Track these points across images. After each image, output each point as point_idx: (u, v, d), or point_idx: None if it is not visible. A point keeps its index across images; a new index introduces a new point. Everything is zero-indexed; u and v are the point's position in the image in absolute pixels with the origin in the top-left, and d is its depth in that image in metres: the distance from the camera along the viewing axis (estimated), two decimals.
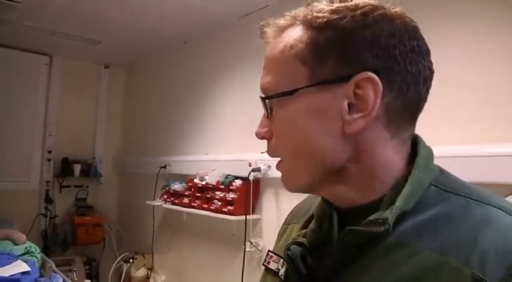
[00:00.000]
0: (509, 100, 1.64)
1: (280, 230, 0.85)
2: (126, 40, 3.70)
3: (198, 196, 3.01)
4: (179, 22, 3.20)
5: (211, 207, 2.83)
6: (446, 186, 0.59)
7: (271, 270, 0.73)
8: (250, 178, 2.57)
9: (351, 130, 0.58)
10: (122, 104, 4.75)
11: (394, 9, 0.60)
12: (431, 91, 0.63)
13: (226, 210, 2.70)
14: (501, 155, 1.54)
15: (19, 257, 2.39)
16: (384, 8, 0.59)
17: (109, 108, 4.62)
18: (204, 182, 2.95)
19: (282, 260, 0.70)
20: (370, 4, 0.59)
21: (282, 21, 0.64)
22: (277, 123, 0.63)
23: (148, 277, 3.63)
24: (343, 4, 0.59)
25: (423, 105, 0.63)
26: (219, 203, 2.79)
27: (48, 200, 4.08)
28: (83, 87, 4.46)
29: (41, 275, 2.32)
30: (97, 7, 2.97)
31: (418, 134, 0.66)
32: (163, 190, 3.43)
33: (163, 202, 3.36)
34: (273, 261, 0.73)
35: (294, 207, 0.87)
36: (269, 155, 0.67)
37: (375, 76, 0.56)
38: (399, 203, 0.56)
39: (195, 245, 3.31)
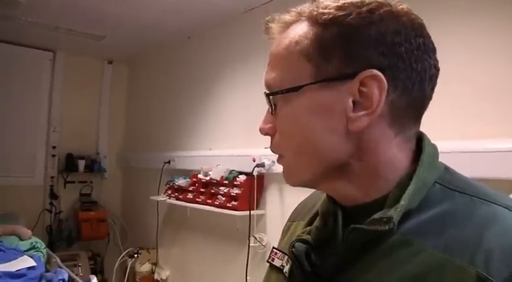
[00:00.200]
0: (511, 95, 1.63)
1: (284, 227, 0.85)
2: (129, 35, 3.70)
3: (202, 191, 3.02)
4: (183, 17, 3.19)
5: (215, 203, 2.83)
6: (451, 184, 0.59)
7: (276, 267, 0.73)
8: (254, 173, 2.58)
9: (355, 128, 0.58)
10: (125, 99, 4.76)
11: (401, 7, 0.59)
12: (437, 82, 0.62)
13: (230, 205, 2.71)
14: (504, 151, 1.54)
15: (25, 252, 2.41)
16: (390, 5, 0.58)
17: (113, 103, 4.62)
18: (208, 178, 2.95)
19: (286, 257, 0.70)
20: (376, 1, 0.58)
21: (287, 17, 0.64)
22: (281, 119, 0.63)
23: (152, 272, 3.64)
24: (349, 1, 0.58)
25: (428, 103, 0.62)
26: (223, 199, 2.80)
27: (53, 195, 4.10)
28: (87, 82, 4.47)
29: (47, 270, 2.33)
30: (100, 2, 2.97)
31: (423, 132, 0.65)
32: (168, 185, 3.44)
33: (168, 197, 3.37)
34: (277, 258, 0.73)
35: (299, 204, 0.87)
36: (272, 151, 0.67)
37: (379, 74, 0.56)
38: (404, 201, 0.55)
39: (199, 240, 3.32)
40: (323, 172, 0.62)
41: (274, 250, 0.75)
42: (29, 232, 2.69)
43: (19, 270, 2.15)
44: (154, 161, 3.73)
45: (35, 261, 2.29)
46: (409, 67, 0.57)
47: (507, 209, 0.54)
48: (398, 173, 0.60)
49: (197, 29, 3.44)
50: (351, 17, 0.57)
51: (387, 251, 0.55)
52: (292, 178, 0.66)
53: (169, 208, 3.63)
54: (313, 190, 0.80)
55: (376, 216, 0.56)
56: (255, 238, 2.62)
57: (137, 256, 3.65)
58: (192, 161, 3.31)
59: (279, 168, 0.67)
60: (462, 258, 0.50)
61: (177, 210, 3.39)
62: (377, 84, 0.56)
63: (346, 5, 0.58)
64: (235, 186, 2.74)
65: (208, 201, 2.91)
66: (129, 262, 3.65)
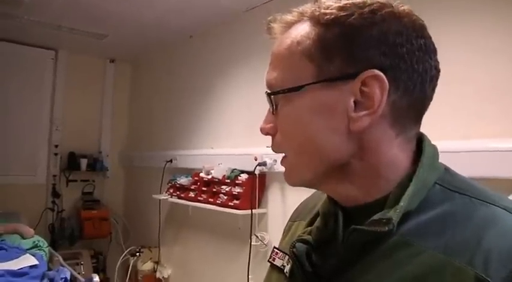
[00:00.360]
0: None
1: (285, 226, 0.85)
2: (131, 34, 3.70)
3: (204, 190, 3.02)
4: (185, 16, 3.19)
5: (217, 202, 2.84)
6: (451, 185, 0.59)
7: (277, 266, 0.73)
8: (256, 172, 2.58)
9: (357, 128, 0.58)
10: (127, 98, 4.76)
11: (402, 8, 0.60)
12: (437, 83, 0.62)
13: (232, 204, 2.71)
14: (505, 150, 1.54)
15: (27, 251, 2.41)
16: (392, 6, 0.59)
17: (115, 102, 4.62)
18: (210, 176, 2.95)
19: (287, 257, 0.70)
20: (378, 2, 0.58)
21: (289, 17, 0.64)
22: (282, 119, 0.63)
23: (154, 270, 3.65)
24: (351, 1, 0.59)
25: (429, 104, 0.62)
26: (225, 197, 2.80)
27: (55, 194, 4.11)
28: (89, 81, 4.47)
29: (49, 269, 2.34)
30: (102, 1, 2.97)
31: (423, 132, 0.65)
32: (170, 184, 3.44)
33: (170, 196, 3.37)
34: (278, 258, 0.73)
35: (300, 204, 0.87)
36: (273, 151, 0.67)
37: (381, 74, 0.56)
38: (403, 202, 0.56)
39: (201, 239, 3.33)
40: (324, 172, 0.62)
41: (275, 250, 0.75)
42: (31, 231, 2.69)
43: (21, 268, 2.15)
44: (157, 159, 3.73)
45: (37, 259, 2.30)
46: (410, 68, 0.57)
47: (506, 210, 0.54)
48: (399, 174, 0.60)
49: (199, 28, 3.44)
50: (353, 17, 0.57)
51: (387, 252, 0.56)
52: (293, 178, 0.66)
53: (171, 207, 3.63)
54: (314, 190, 0.80)
55: (376, 217, 0.57)
56: (257, 237, 2.62)
57: (139, 255, 3.66)
58: (194, 160, 3.31)
59: (280, 167, 0.67)
60: (461, 260, 0.50)
61: (179, 208, 3.40)
62: (378, 85, 0.56)
63: (348, 5, 0.58)
64: (237, 185, 2.74)
65: (210, 200, 2.91)
66: (131, 261, 3.66)
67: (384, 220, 0.55)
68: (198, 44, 3.59)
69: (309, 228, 0.70)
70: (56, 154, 4.13)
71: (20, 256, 2.30)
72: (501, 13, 1.70)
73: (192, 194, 3.13)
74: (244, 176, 2.72)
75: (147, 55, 4.36)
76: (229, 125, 3.14)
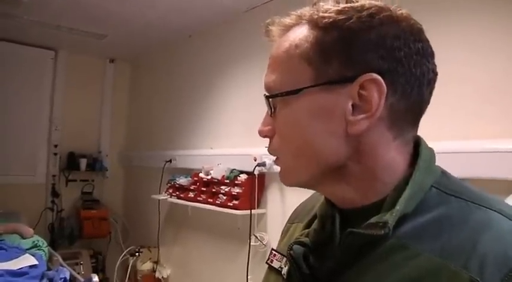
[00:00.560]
0: (511, 95, 1.63)
1: (284, 228, 0.86)
2: (131, 34, 3.70)
3: (203, 190, 3.02)
4: (184, 15, 3.19)
5: (217, 202, 2.84)
6: (447, 188, 0.59)
7: (275, 268, 0.73)
8: (256, 172, 2.58)
9: (354, 131, 0.58)
10: (127, 97, 4.76)
11: (400, 11, 0.60)
12: (435, 86, 0.63)
13: (231, 204, 2.71)
14: (504, 151, 1.54)
15: (27, 251, 2.42)
16: (390, 10, 0.59)
17: (114, 102, 4.63)
18: (209, 177, 2.95)
19: (285, 258, 0.70)
20: (376, 5, 0.59)
21: (287, 20, 0.64)
22: (280, 122, 0.63)
23: (154, 270, 3.65)
24: (349, 5, 0.59)
25: (426, 107, 0.63)
26: (224, 198, 2.80)
27: (55, 193, 4.11)
28: (89, 81, 4.47)
29: (48, 268, 2.34)
30: (102, 1, 2.97)
31: (420, 136, 0.66)
32: (169, 184, 3.45)
33: (169, 196, 3.37)
34: (276, 259, 0.74)
35: (298, 206, 0.87)
36: (270, 153, 0.67)
37: (379, 78, 0.56)
38: (400, 206, 0.56)
39: (200, 239, 3.33)
40: (321, 174, 0.62)
41: (273, 252, 0.75)
42: (31, 230, 2.70)
43: (21, 268, 2.16)
44: (156, 159, 3.73)
45: (37, 259, 2.30)
46: (408, 71, 0.58)
47: (501, 214, 0.54)
48: (396, 176, 0.61)
49: (199, 28, 3.44)
50: (351, 21, 0.57)
51: (384, 254, 0.56)
52: (289, 179, 0.66)
53: (170, 207, 3.64)
54: (311, 190, 0.81)
55: (372, 220, 0.57)
56: (256, 237, 2.63)
57: (138, 254, 3.67)
58: (194, 160, 3.31)
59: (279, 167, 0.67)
60: (457, 263, 0.50)
61: (178, 209, 3.40)
62: (376, 88, 0.56)
63: (347, 9, 0.58)
64: (236, 185, 2.74)
65: (209, 200, 2.92)
66: (131, 260, 3.67)
67: (380, 223, 0.55)
68: (197, 44, 3.59)
69: (307, 230, 0.70)
70: (55, 154, 4.14)
71: (19, 256, 2.30)
72: (500, 12, 1.70)
73: (191, 194, 3.13)
74: (243, 177, 2.72)
75: (146, 55, 4.36)
76: (228, 125, 3.14)
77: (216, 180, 2.89)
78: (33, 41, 3.95)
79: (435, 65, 0.62)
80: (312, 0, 0.63)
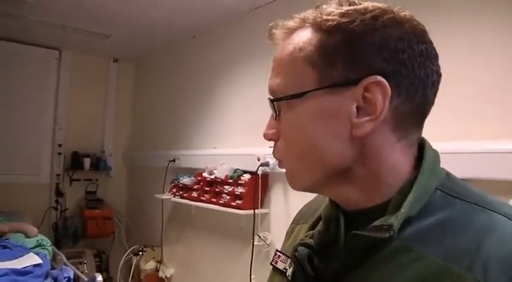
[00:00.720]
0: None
1: (288, 229, 0.86)
2: (134, 34, 3.71)
3: (206, 190, 3.03)
4: (188, 16, 3.20)
5: (220, 201, 2.84)
6: (452, 191, 0.59)
7: (279, 270, 0.73)
8: (259, 172, 2.58)
9: (359, 133, 0.58)
10: (131, 97, 4.77)
11: (403, 13, 0.60)
12: (439, 88, 0.63)
13: (234, 204, 2.72)
14: (505, 152, 1.54)
15: (31, 250, 2.43)
16: (393, 12, 0.59)
17: (118, 101, 4.64)
18: (212, 176, 2.96)
19: (289, 260, 0.70)
20: (380, 8, 0.59)
21: (291, 23, 0.64)
22: (285, 125, 0.63)
23: (157, 270, 3.66)
24: (352, 7, 0.59)
25: (430, 108, 0.63)
26: (228, 197, 2.81)
27: (59, 193, 4.13)
28: (93, 81, 4.48)
29: (52, 268, 2.36)
30: (105, 1, 2.98)
31: (425, 137, 0.66)
32: (172, 184, 3.45)
33: (172, 196, 3.38)
34: (280, 261, 0.74)
35: (303, 206, 0.87)
36: (274, 157, 0.68)
37: (383, 80, 0.56)
38: (404, 209, 0.56)
39: (203, 239, 3.34)
40: (326, 177, 0.62)
41: (278, 253, 0.75)
42: (35, 230, 2.71)
43: (25, 267, 2.17)
44: (160, 159, 3.74)
45: (41, 258, 2.31)
46: (412, 73, 0.58)
47: (506, 217, 0.54)
48: (400, 179, 0.61)
49: (202, 28, 3.45)
50: (354, 23, 0.57)
51: (388, 256, 0.56)
52: (295, 183, 0.66)
53: (174, 206, 3.64)
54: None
55: (377, 223, 0.57)
56: (259, 237, 2.63)
57: (142, 254, 3.68)
58: (197, 160, 3.32)
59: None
60: (461, 266, 0.50)
61: (182, 208, 3.41)
62: (381, 91, 0.56)
63: (350, 11, 0.58)
64: (240, 185, 2.75)
65: (212, 199, 2.92)
66: (134, 260, 3.68)
67: (385, 226, 0.55)
68: (201, 44, 3.59)
69: (311, 231, 0.71)
70: (59, 153, 4.15)
71: (23, 255, 2.31)
72: (501, 13, 1.70)
73: (194, 194, 3.14)
74: (246, 176, 2.73)
75: (150, 55, 4.37)
76: (232, 125, 3.15)
77: (219, 180, 2.89)
78: (37, 40, 3.96)
79: (439, 67, 0.62)
80: (315, 2, 0.63)
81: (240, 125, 3.04)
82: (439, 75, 0.62)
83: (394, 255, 0.56)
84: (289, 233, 0.84)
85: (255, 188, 2.62)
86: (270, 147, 0.69)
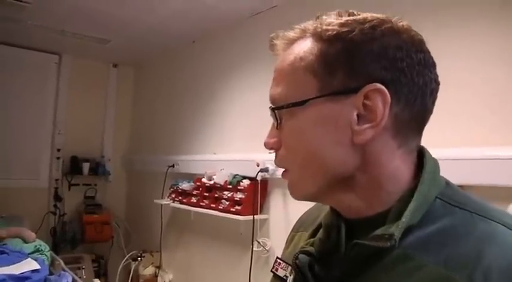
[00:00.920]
0: (511, 102, 1.63)
1: (288, 237, 0.86)
2: (134, 39, 3.72)
3: (206, 195, 3.03)
4: (188, 21, 3.21)
5: (219, 207, 2.84)
6: (452, 199, 0.60)
7: (280, 277, 0.74)
8: (258, 178, 2.58)
9: (360, 140, 0.59)
10: (130, 102, 4.78)
11: (401, 24, 0.61)
12: (437, 96, 0.64)
13: (234, 210, 2.71)
14: (505, 158, 1.54)
15: (29, 255, 2.41)
16: (391, 22, 0.60)
17: (118, 106, 4.64)
18: (212, 182, 2.96)
19: (290, 267, 0.71)
20: (378, 18, 0.60)
21: (291, 34, 0.65)
22: (286, 133, 0.64)
23: (156, 275, 3.65)
24: (352, 18, 0.60)
25: (429, 116, 0.63)
26: (227, 203, 2.80)
27: (57, 197, 4.12)
28: (92, 85, 4.49)
29: (51, 273, 2.34)
30: (106, 6, 2.99)
31: (424, 146, 0.66)
32: (172, 189, 3.45)
33: (172, 201, 3.38)
34: (281, 268, 0.74)
35: (303, 214, 0.87)
36: (276, 165, 0.68)
37: (383, 87, 0.57)
38: (405, 218, 0.56)
39: (202, 244, 3.33)
40: (327, 185, 0.62)
41: (278, 260, 0.76)
42: (33, 235, 2.70)
43: (23, 273, 2.15)
44: (159, 164, 3.74)
45: (39, 264, 2.30)
46: (411, 81, 0.59)
47: (506, 226, 0.55)
48: (400, 186, 0.61)
49: (202, 34, 3.46)
50: (354, 33, 0.58)
51: (390, 265, 0.56)
52: (296, 192, 0.67)
53: (173, 212, 3.64)
54: None
55: (378, 232, 0.57)
56: (259, 243, 2.62)
57: (141, 259, 3.67)
58: (196, 165, 3.32)
59: None
60: (462, 275, 0.50)
61: (181, 213, 3.40)
62: (381, 98, 0.57)
63: (349, 22, 0.60)
64: (239, 190, 2.74)
65: (212, 205, 2.92)
66: (133, 265, 3.66)
67: (386, 236, 0.56)
68: (200, 49, 3.60)
69: (312, 239, 0.71)
70: (58, 158, 4.15)
71: (21, 260, 2.30)
72: (499, 19, 1.70)
73: (194, 199, 3.13)
74: (246, 182, 2.72)
75: (150, 60, 4.38)
76: (231, 131, 3.15)
77: (218, 186, 2.89)
78: (37, 45, 3.97)
79: (437, 75, 0.63)
80: (314, 10, 0.64)
81: (240, 130, 3.04)
82: (438, 84, 0.63)
83: (395, 264, 0.56)
84: (289, 241, 0.85)
85: (254, 194, 2.62)
86: (270, 152, 0.69)
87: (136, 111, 4.70)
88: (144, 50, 4.08)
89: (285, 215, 2.58)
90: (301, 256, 0.66)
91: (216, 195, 2.92)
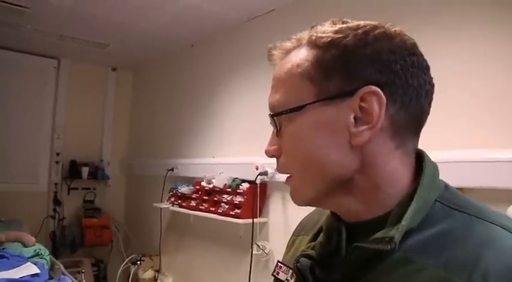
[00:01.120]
0: (511, 105, 1.64)
1: (289, 241, 0.87)
2: (133, 43, 3.73)
3: (205, 199, 3.03)
4: (186, 25, 3.22)
5: (218, 211, 2.84)
6: (451, 203, 0.61)
7: (281, 280, 0.74)
8: (257, 181, 2.59)
9: (358, 142, 0.60)
10: (129, 106, 4.78)
11: (393, 29, 0.63)
12: (434, 96, 0.65)
13: (233, 213, 2.71)
14: (505, 161, 1.55)
15: (29, 259, 2.41)
16: (384, 27, 0.62)
17: (117, 110, 4.65)
18: (211, 185, 2.96)
19: (291, 271, 0.71)
20: (371, 24, 0.62)
21: (288, 44, 0.67)
22: (286, 139, 0.65)
23: (155, 279, 3.65)
24: (345, 25, 0.63)
25: (426, 118, 0.65)
26: (226, 206, 2.81)
27: (57, 202, 4.12)
28: (91, 89, 4.49)
29: (50, 277, 2.34)
30: (104, 11, 3.00)
31: (423, 150, 0.67)
32: (171, 193, 3.45)
33: (171, 205, 3.38)
34: (282, 272, 0.75)
35: (304, 218, 0.88)
36: (279, 172, 0.69)
37: (378, 89, 0.58)
38: (405, 221, 0.57)
39: (202, 248, 3.33)
40: (327, 188, 0.63)
41: (279, 264, 0.76)
42: (33, 239, 2.70)
43: (23, 277, 2.16)
44: (158, 168, 3.74)
45: (39, 268, 2.30)
46: (405, 83, 0.60)
47: (504, 229, 0.55)
48: (399, 189, 0.62)
49: (200, 38, 3.47)
50: (347, 39, 0.60)
51: (390, 268, 0.57)
52: (298, 197, 0.68)
53: (172, 215, 3.64)
54: None
55: (379, 235, 0.58)
56: (258, 246, 2.62)
57: (140, 263, 3.66)
58: (195, 169, 3.32)
59: (281, 176, 0.69)
60: (461, 277, 0.51)
61: (180, 217, 3.40)
62: (376, 100, 0.59)
63: (343, 28, 0.62)
64: (238, 194, 2.75)
65: (211, 208, 2.92)
66: (132, 269, 3.66)
67: (387, 239, 0.57)
68: (199, 53, 3.61)
69: (313, 243, 0.72)
70: (57, 162, 4.15)
71: (21, 264, 2.30)
72: (499, 22, 1.71)
73: (193, 203, 3.13)
74: (245, 185, 2.73)
75: (148, 64, 4.39)
76: (230, 134, 3.15)
77: (218, 189, 2.90)
78: (36, 49, 3.98)
79: (431, 78, 0.64)
80: (309, 14, 0.66)
81: (239, 134, 3.05)
82: (432, 86, 0.64)
83: (395, 267, 0.57)
84: (289, 245, 0.85)
85: (254, 197, 2.62)
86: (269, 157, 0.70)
87: (135, 115, 4.70)
88: (142, 54, 4.09)
89: (284, 218, 2.58)
90: (302, 259, 0.67)
91: (215, 199, 2.92)
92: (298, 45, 0.66)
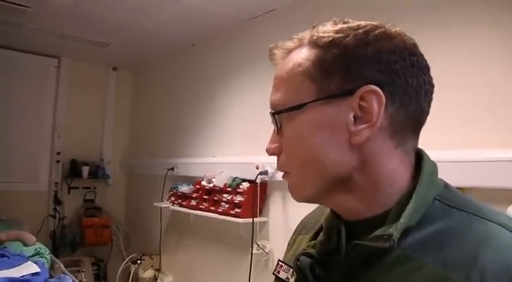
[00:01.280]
0: (511, 105, 1.65)
1: (290, 240, 0.87)
2: (133, 43, 3.73)
3: (205, 198, 3.03)
4: (187, 25, 3.22)
5: (219, 210, 2.85)
6: (450, 201, 0.61)
7: (281, 279, 0.75)
8: (258, 181, 2.59)
9: (357, 141, 0.60)
10: (129, 105, 4.79)
11: (394, 29, 0.64)
12: (434, 96, 0.65)
13: (233, 212, 2.72)
14: (505, 160, 1.55)
15: (29, 258, 2.41)
16: (384, 27, 0.63)
17: (117, 110, 4.65)
18: (211, 185, 2.96)
19: (291, 269, 0.72)
20: (371, 24, 0.63)
21: (289, 44, 0.68)
22: (286, 137, 0.66)
23: (155, 278, 3.65)
24: (346, 25, 0.63)
25: (425, 118, 0.65)
26: (226, 206, 2.81)
27: (57, 201, 4.12)
28: (91, 89, 4.50)
29: (51, 276, 2.34)
30: (105, 10, 3.00)
31: (422, 149, 0.68)
32: (171, 192, 3.46)
33: (171, 204, 3.38)
34: (283, 270, 0.75)
35: (305, 217, 0.89)
36: (279, 170, 0.70)
37: (378, 88, 0.59)
38: (404, 219, 0.58)
39: (202, 247, 3.33)
40: (326, 186, 0.64)
41: (280, 263, 0.77)
42: (33, 238, 2.70)
43: (23, 276, 2.16)
44: (158, 167, 3.75)
45: (39, 267, 2.30)
46: (405, 83, 0.61)
47: (502, 226, 0.56)
48: (398, 188, 0.63)
49: (201, 37, 3.47)
50: (348, 38, 0.61)
51: (389, 266, 0.57)
52: (297, 194, 0.68)
53: (172, 214, 3.64)
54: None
55: (378, 233, 0.59)
56: (258, 245, 2.63)
57: (140, 262, 3.67)
58: (196, 168, 3.33)
59: (282, 176, 0.70)
60: (459, 275, 0.52)
61: (181, 216, 3.41)
62: (376, 99, 0.59)
63: (344, 28, 0.62)
64: (239, 193, 2.75)
65: (211, 208, 2.92)
66: (132, 268, 3.67)
67: (385, 236, 0.57)
68: (200, 53, 3.61)
69: (313, 241, 0.72)
70: (57, 161, 4.15)
71: (22, 263, 2.30)
72: (499, 22, 1.71)
73: (193, 202, 3.14)
74: (245, 185, 2.73)
75: (149, 63, 4.39)
76: (230, 134, 3.16)
77: (218, 188, 2.90)
78: (36, 49, 3.98)
79: (431, 78, 0.65)
80: (309, 14, 0.67)
81: (239, 133, 3.05)
82: (432, 86, 0.65)
83: (395, 265, 0.57)
84: (290, 244, 0.86)
85: (254, 197, 2.63)
86: (269, 155, 0.71)
87: (136, 115, 4.70)
88: (143, 53, 4.09)
89: (285, 217, 2.59)
90: (302, 258, 0.67)
91: (216, 198, 2.93)
92: (300, 45, 0.66)
